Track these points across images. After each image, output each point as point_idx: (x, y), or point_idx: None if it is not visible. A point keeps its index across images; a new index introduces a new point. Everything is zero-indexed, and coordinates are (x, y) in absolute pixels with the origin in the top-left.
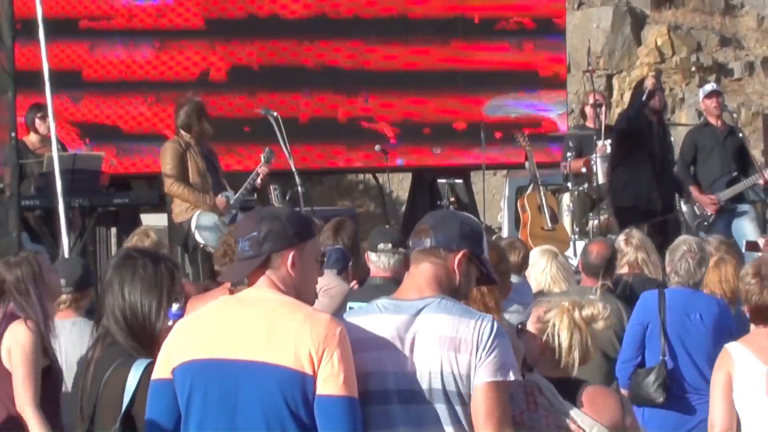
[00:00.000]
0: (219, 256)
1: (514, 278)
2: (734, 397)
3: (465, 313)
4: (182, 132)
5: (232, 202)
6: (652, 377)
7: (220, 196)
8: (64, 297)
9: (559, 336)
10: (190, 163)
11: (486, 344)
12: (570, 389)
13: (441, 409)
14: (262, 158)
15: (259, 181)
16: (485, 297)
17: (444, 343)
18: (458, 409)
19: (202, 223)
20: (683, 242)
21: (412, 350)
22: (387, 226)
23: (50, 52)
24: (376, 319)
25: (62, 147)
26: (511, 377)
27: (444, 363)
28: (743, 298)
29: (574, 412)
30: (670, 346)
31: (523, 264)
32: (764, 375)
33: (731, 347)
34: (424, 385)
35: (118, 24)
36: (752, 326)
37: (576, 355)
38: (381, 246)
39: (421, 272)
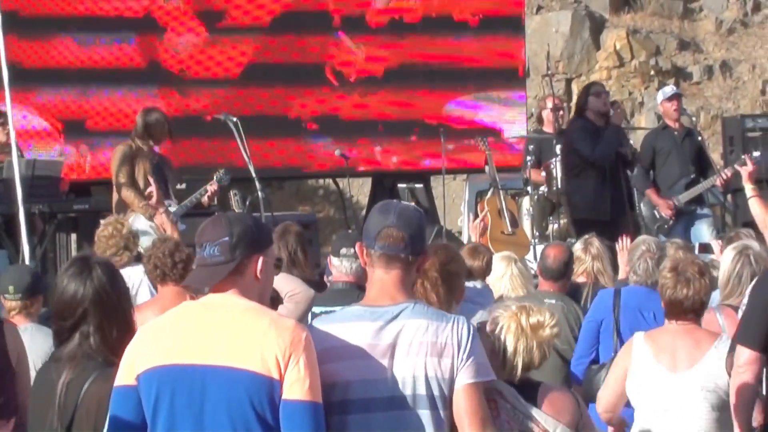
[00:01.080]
0: (150, 269)
1: (478, 283)
2: (627, 389)
3: (440, 317)
4: (136, 139)
5: (172, 210)
6: (603, 373)
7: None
8: (13, 304)
9: (505, 340)
10: (138, 167)
11: (466, 347)
12: (527, 391)
13: (425, 414)
14: (215, 177)
15: (206, 198)
16: (428, 293)
17: (425, 349)
18: (442, 414)
19: (136, 227)
20: (642, 242)
21: (392, 357)
22: (349, 231)
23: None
24: (352, 326)
25: (20, 152)
26: (491, 377)
27: (428, 368)
28: (660, 291)
29: (536, 414)
30: (623, 342)
31: (488, 269)
32: (655, 374)
33: (636, 339)
34: (408, 391)
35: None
36: (665, 321)
37: (519, 360)
38: (343, 251)
39: (392, 278)
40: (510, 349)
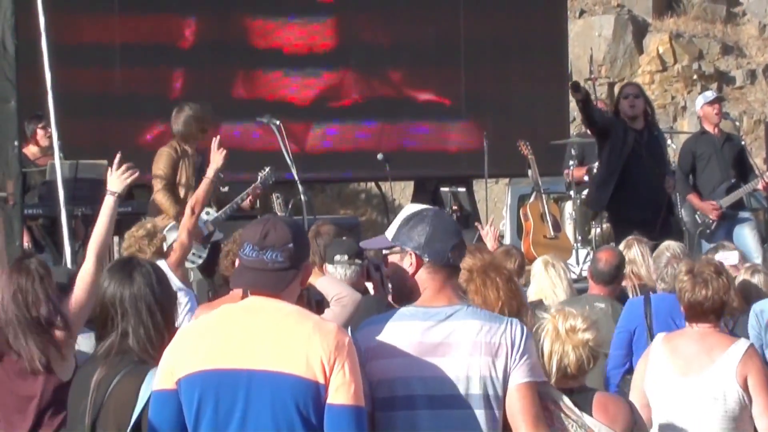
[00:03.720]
0: (227, 264)
1: None
2: (645, 390)
3: (494, 318)
4: (178, 140)
5: (211, 219)
6: None
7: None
8: None
9: (542, 343)
10: (181, 172)
11: (519, 347)
12: (582, 398)
13: (479, 414)
14: (259, 178)
15: (247, 202)
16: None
17: (480, 348)
18: (497, 413)
19: (173, 235)
20: (666, 248)
21: (443, 355)
22: (344, 238)
23: None
24: (404, 325)
25: (64, 155)
26: (543, 377)
27: (482, 368)
28: (678, 296)
29: (590, 422)
30: None
31: (521, 271)
32: (668, 377)
33: (656, 341)
34: (461, 390)
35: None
36: (686, 324)
37: (554, 363)
38: (337, 258)
39: (445, 281)
40: (546, 351)
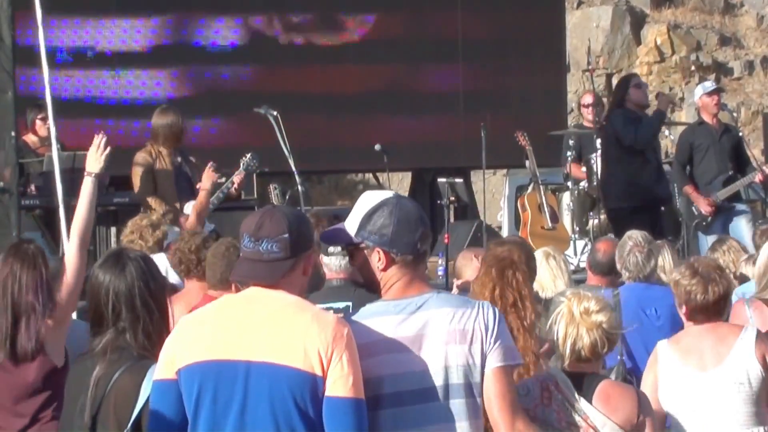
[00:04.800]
0: (175, 262)
1: None
2: (660, 397)
3: (465, 303)
4: (154, 143)
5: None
6: (612, 377)
7: (186, 206)
8: None
9: (558, 326)
10: (157, 173)
11: (493, 331)
12: (587, 384)
13: (460, 403)
14: (241, 165)
15: (233, 189)
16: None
17: (455, 337)
18: (478, 401)
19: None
20: (629, 237)
21: (420, 348)
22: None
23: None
24: (376, 322)
25: (62, 146)
26: (519, 360)
27: (459, 357)
28: (684, 299)
29: (586, 407)
30: (628, 345)
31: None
32: (684, 376)
33: (660, 347)
34: (440, 381)
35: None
36: (686, 323)
37: (568, 346)
38: (331, 249)
39: (413, 271)
40: (561, 334)
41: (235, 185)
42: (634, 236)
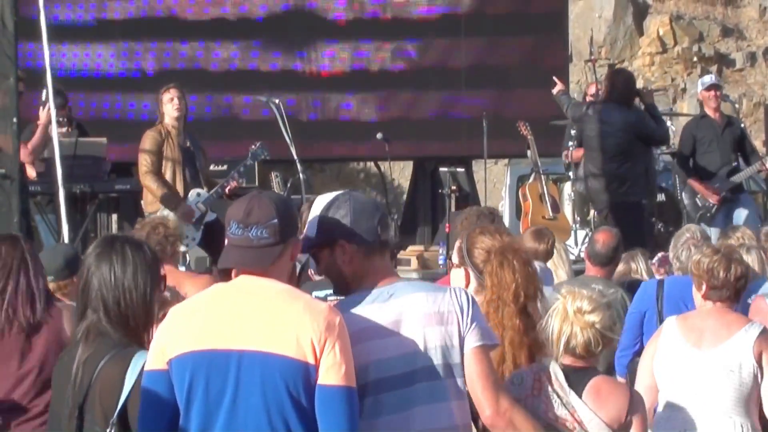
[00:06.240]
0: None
1: (539, 265)
2: (654, 367)
3: (436, 288)
4: (164, 121)
5: (202, 200)
6: None
7: (190, 195)
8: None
9: (552, 322)
10: (166, 154)
11: (468, 312)
12: (581, 377)
13: (442, 385)
14: (250, 154)
15: (226, 191)
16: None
17: (431, 319)
18: (459, 381)
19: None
20: (686, 230)
21: (398, 333)
22: None
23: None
24: (350, 314)
25: (82, 130)
26: (496, 341)
27: (437, 338)
28: (706, 277)
29: (574, 401)
30: None
31: (552, 251)
32: (681, 351)
33: (667, 322)
34: (421, 364)
35: None
36: (700, 302)
37: (561, 342)
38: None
39: (382, 261)
40: (555, 331)
41: (227, 189)
42: (692, 229)
